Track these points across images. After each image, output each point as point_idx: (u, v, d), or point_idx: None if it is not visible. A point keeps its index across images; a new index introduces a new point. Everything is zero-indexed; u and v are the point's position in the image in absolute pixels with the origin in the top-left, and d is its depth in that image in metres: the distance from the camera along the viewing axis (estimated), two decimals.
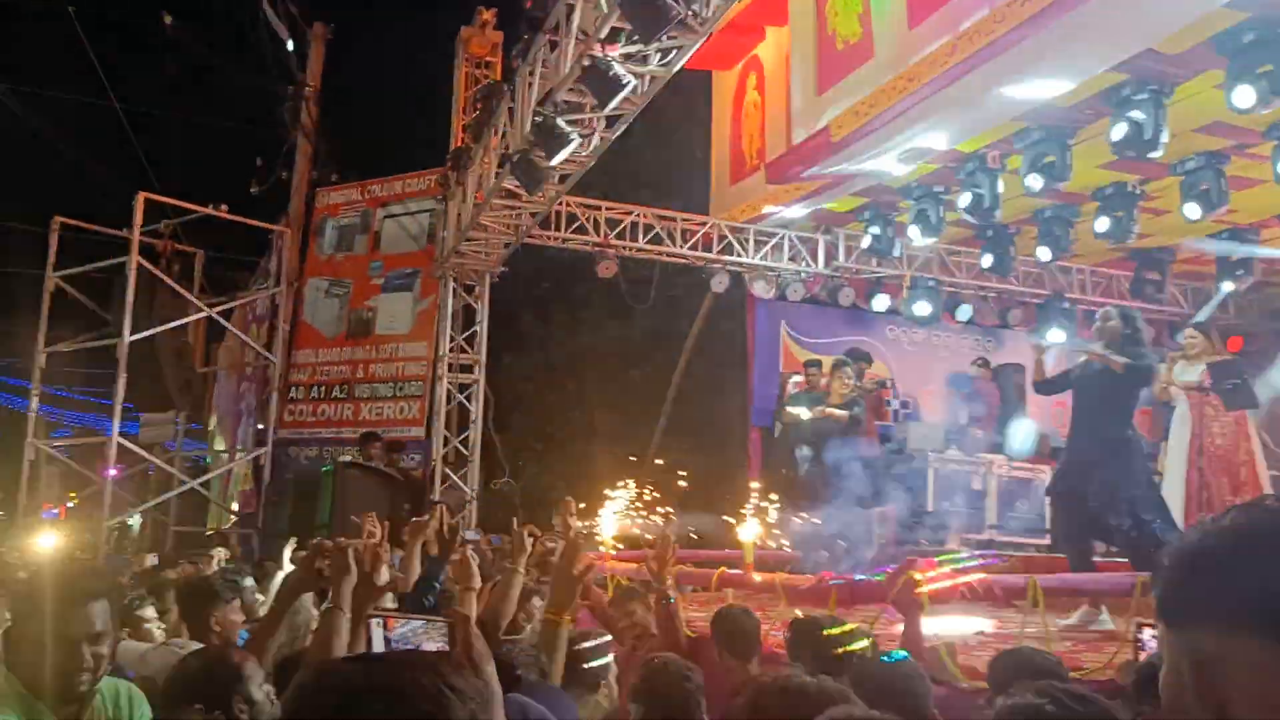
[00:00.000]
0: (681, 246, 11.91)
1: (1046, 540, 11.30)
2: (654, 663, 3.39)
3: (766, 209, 11.69)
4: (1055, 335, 12.06)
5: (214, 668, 2.41)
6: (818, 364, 10.68)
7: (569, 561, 3.33)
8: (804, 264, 12.29)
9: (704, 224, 12.10)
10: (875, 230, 11.28)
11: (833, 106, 9.63)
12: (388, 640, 2.29)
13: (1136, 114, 7.97)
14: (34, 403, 13.57)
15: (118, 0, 12.14)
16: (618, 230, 11.73)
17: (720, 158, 12.47)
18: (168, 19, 13.42)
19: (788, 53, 10.81)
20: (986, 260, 11.27)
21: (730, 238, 12.06)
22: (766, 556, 8.16)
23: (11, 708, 2.31)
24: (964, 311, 12.58)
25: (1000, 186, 9.58)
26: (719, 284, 12.07)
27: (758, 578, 6.34)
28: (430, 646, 2.27)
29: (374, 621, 2.37)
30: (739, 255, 12.07)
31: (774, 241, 12.18)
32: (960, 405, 12.04)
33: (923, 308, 12.18)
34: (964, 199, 9.80)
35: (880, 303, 12.48)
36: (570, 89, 8.03)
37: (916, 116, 8.74)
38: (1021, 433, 10.31)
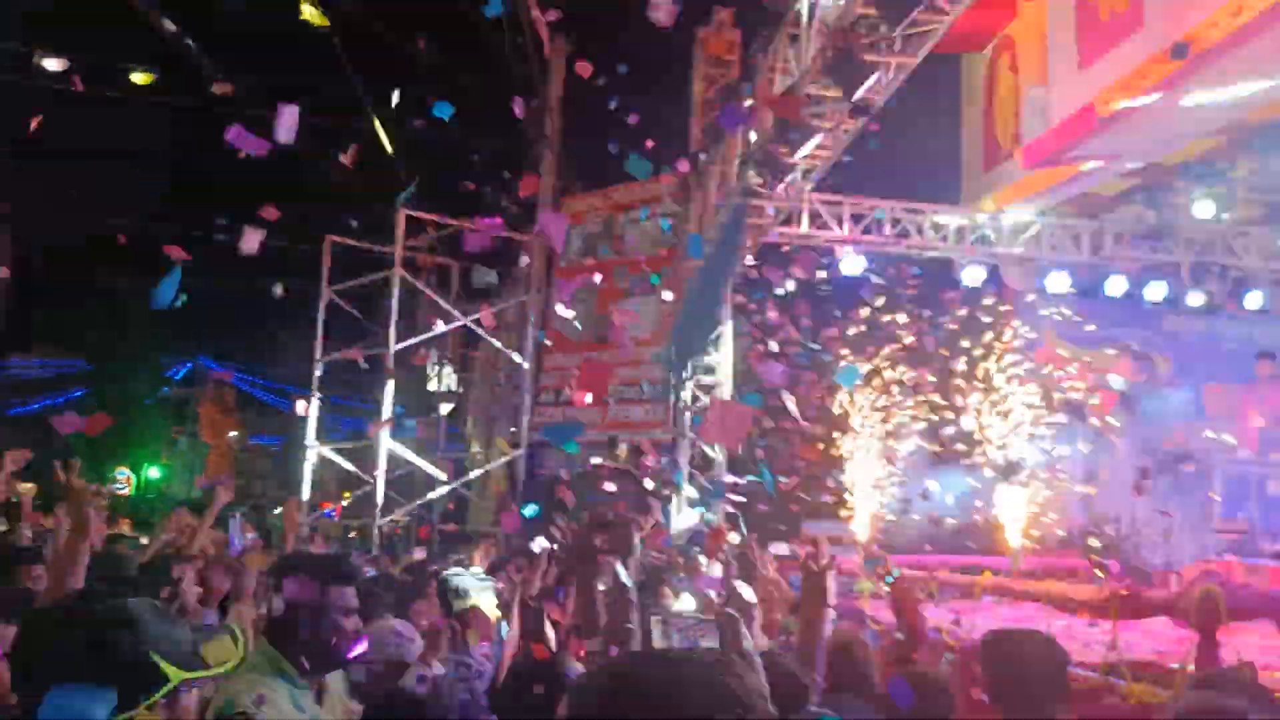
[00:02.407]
0: (932, 239, 11.40)
1: None
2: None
3: (1024, 196, 11.01)
4: None
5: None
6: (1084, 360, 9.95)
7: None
8: (1067, 253, 11.48)
9: (956, 215, 11.54)
10: (1149, 213, 10.38)
11: (1097, 82, 8.95)
12: (669, 631, 2.37)
13: None
14: (313, 409, 14.68)
15: (373, 25, 12.88)
16: (863, 225, 11.37)
17: (971, 144, 11.87)
18: (421, 43, 14.14)
19: (1044, 29, 10.15)
20: None
21: (984, 228, 11.44)
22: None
23: (272, 675, 2.61)
24: (1254, 298, 11.37)
25: None
26: (972, 277, 11.47)
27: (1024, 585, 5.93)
28: (706, 643, 2.30)
29: (653, 618, 2.44)
30: (994, 246, 11.42)
31: (1032, 230, 11.45)
32: (1255, 402, 10.88)
33: (1200, 296, 11.11)
34: (1253, 172, 8.85)
35: (1155, 291, 11.47)
36: (813, 82, 7.83)
37: (1197, 85, 7.98)
38: None
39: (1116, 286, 11.30)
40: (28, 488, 5.46)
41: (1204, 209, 9.57)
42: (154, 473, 27.83)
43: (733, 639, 2.24)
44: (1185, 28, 7.57)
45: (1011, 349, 10.94)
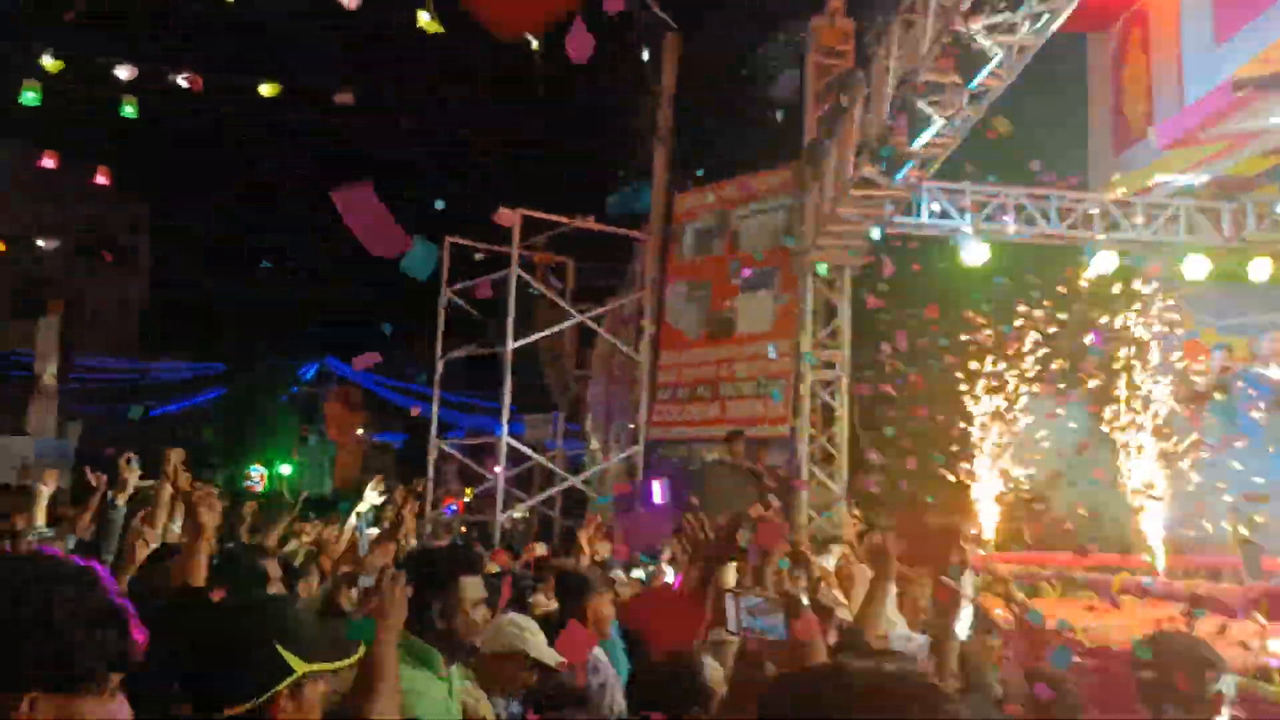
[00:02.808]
0: (1059, 226, 11.01)
1: None
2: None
3: (1157, 178, 10.54)
4: None
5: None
6: (1226, 346, 9.49)
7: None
8: (1206, 237, 10.95)
9: (1083, 200, 11.11)
10: None
11: (1235, 57, 8.52)
12: (740, 610, 2.43)
13: None
14: (435, 407, 15.06)
15: (486, 35, 13.11)
16: (985, 213, 11.05)
17: (1100, 126, 11.43)
18: (534, 44, 14.31)
19: (1178, 3, 9.70)
20: None
21: (1115, 213, 10.99)
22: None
23: (416, 666, 2.76)
24: None
25: None
26: (1104, 264, 11.02)
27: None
28: (773, 619, 2.33)
29: (728, 596, 2.53)
30: (1126, 232, 10.96)
31: (1168, 213, 10.95)
32: None
33: None
34: None
35: None
36: (931, 68, 7.64)
37: None
38: None
39: (1260, 270, 10.73)
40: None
41: None
42: (285, 469, 28.89)
43: (803, 622, 2.26)
44: None
45: (1147, 339, 10.48)
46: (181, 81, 14.54)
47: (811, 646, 2.24)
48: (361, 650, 2.23)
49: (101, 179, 19.20)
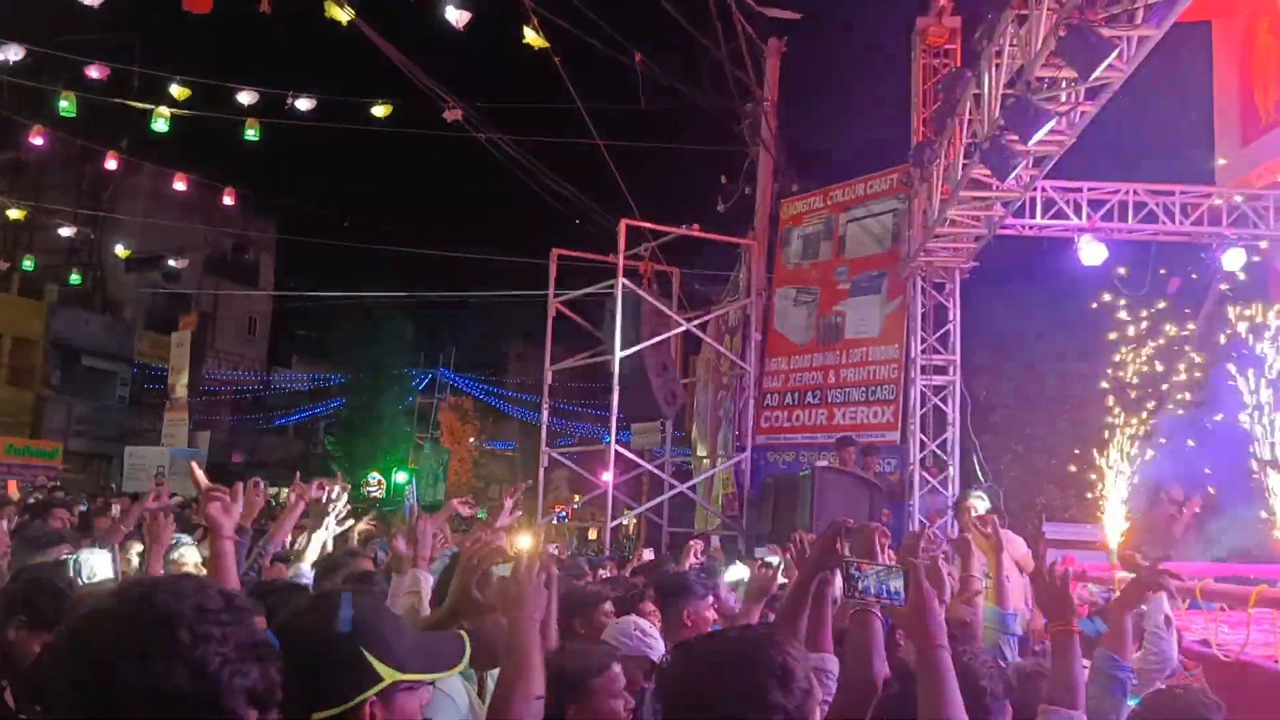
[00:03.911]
0: (1183, 223, 10.58)
1: None
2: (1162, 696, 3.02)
3: None
4: None
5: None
6: None
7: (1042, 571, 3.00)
8: None
9: (1209, 195, 10.65)
10: None
11: None
12: (863, 580, 2.49)
13: None
14: (545, 415, 15.24)
15: (590, 44, 13.22)
16: (1103, 211, 10.68)
17: (1227, 117, 10.95)
18: (638, 56, 14.40)
19: None
20: None
21: (1244, 208, 10.49)
22: None
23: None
24: None
25: None
26: (1233, 261, 10.54)
27: None
28: (895, 583, 2.44)
29: (845, 564, 2.60)
30: (1257, 227, 10.46)
31: None
32: None
33: None
34: None
35: None
36: (1045, 63, 7.42)
37: None
38: None
39: None
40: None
41: None
42: (401, 477, 29.63)
43: (915, 588, 2.35)
44: None
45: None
46: (301, 105, 15.09)
47: (929, 610, 2.31)
48: (465, 661, 2.15)
49: (228, 199, 20.08)
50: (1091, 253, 10.48)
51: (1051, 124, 7.77)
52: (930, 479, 11.73)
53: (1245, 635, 5.85)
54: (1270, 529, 8.41)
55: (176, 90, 15.00)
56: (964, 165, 9.27)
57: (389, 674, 1.90)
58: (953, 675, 2.24)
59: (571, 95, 14.10)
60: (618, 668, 3.07)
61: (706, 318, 15.35)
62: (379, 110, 15.38)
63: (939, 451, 11.87)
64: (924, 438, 11.88)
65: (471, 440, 36.53)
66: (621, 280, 13.72)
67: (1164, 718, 2.92)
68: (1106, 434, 8.94)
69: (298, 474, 5.24)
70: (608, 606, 4.42)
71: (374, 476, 30.93)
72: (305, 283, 31.80)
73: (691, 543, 8.01)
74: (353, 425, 32.75)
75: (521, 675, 2.28)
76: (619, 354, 13.53)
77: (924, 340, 12.04)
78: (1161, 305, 11.83)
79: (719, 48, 14.24)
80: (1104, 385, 8.91)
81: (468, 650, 2.16)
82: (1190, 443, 10.00)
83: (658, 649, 3.78)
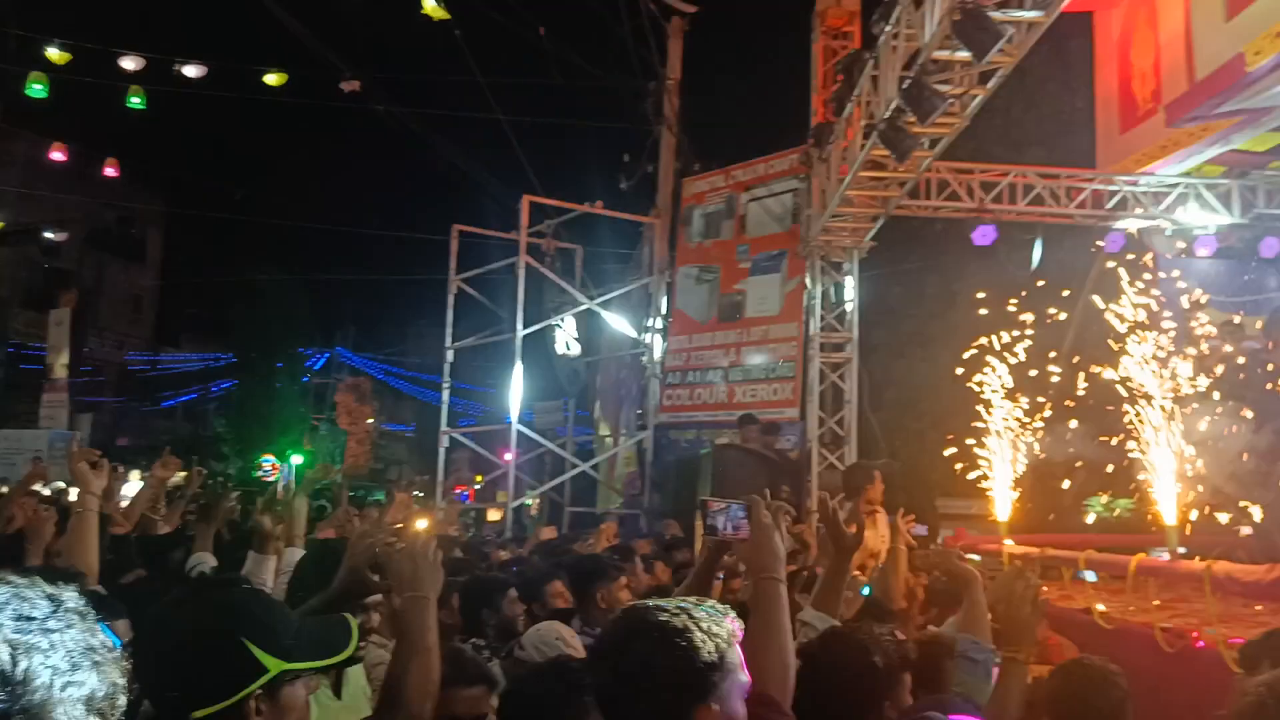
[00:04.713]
0: (1068, 206, 10.97)
1: None
2: (1072, 668, 3.13)
3: (1166, 156, 10.49)
4: None
5: None
6: (1237, 326, 9.42)
7: (1015, 591, 2.84)
8: (1215, 214, 10.89)
9: (1092, 179, 11.07)
10: None
11: (1245, 32, 8.45)
12: (712, 518, 2.67)
13: None
14: (445, 395, 15.08)
15: (492, 17, 13.06)
16: (994, 194, 11.01)
17: (1107, 105, 11.36)
18: (541, 31, 14.27)
19: None
20: None
21: (1124, 191, 10.94)
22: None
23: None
24: None
25: None
26: (1113, 244, 10.98)
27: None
28: (740, 518, 2.60)
29: (701, 503, 2.75)
30: (1135, 211, 10.92)
31: (1177, 192, 10.91)
32: None
33: None
34: None
35: None
36: (940, 46, 7.59)
37: None
38: None
39: (1271, 247, 10.68)
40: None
41: None
42: (297, 460, 28.98)
43: (757, 520, 2.48)
44: None
45: (1152, 318, 10.44)
46: (189, 71, 14.54)
47: (766, 543, 2.44)
48: (352, 646, 2.04)
49: (111, 171, 19.27)
50: (983, 233, 10.79)
51: (945, 106, 7.96)
52: (828, 455, 11.98)
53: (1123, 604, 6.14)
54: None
55: (55, 54, 14.28)
56: (862, 146, 9.44)
57: (274, 665, 1.80)
58: (784, 607, 2.32)
59: (472, 68, 13.92)
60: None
61: (609, 296, 15.37)
62: (272, 79, 14.90)
63: (836, 428, 12.12)
64: (822, 414, 12.11)
65: (370, 421, 35.88)
66: (524, 258, 13.63)
67: (1075, 687, 3.02)
68: (993, 412, 9.22)
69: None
70: (512, 593, 4.34)
71: (268, 460, 30.17)
72: (196, 259, 30.81)
73: (604, 526, 8.04)
74: (245, 407, 31.88)
75: (417, 656, 2.24)
76: (521, 332, 13.45)
77: (822, 318, 12.25)
78: (1040, 283, 12.23)
79: (622, 25, 14.22)
80: (990, 365, 9.18)
81: (355, 635, 2.07)
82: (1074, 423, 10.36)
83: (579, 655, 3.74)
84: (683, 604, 1.84)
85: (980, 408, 9.01)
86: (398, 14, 13.99)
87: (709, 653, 1.75)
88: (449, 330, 14.86)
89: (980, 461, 8.94)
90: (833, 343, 12.25)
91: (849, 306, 12.26)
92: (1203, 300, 10.36)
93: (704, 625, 1.79)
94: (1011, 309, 10.39)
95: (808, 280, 12.32)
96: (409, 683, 2.20)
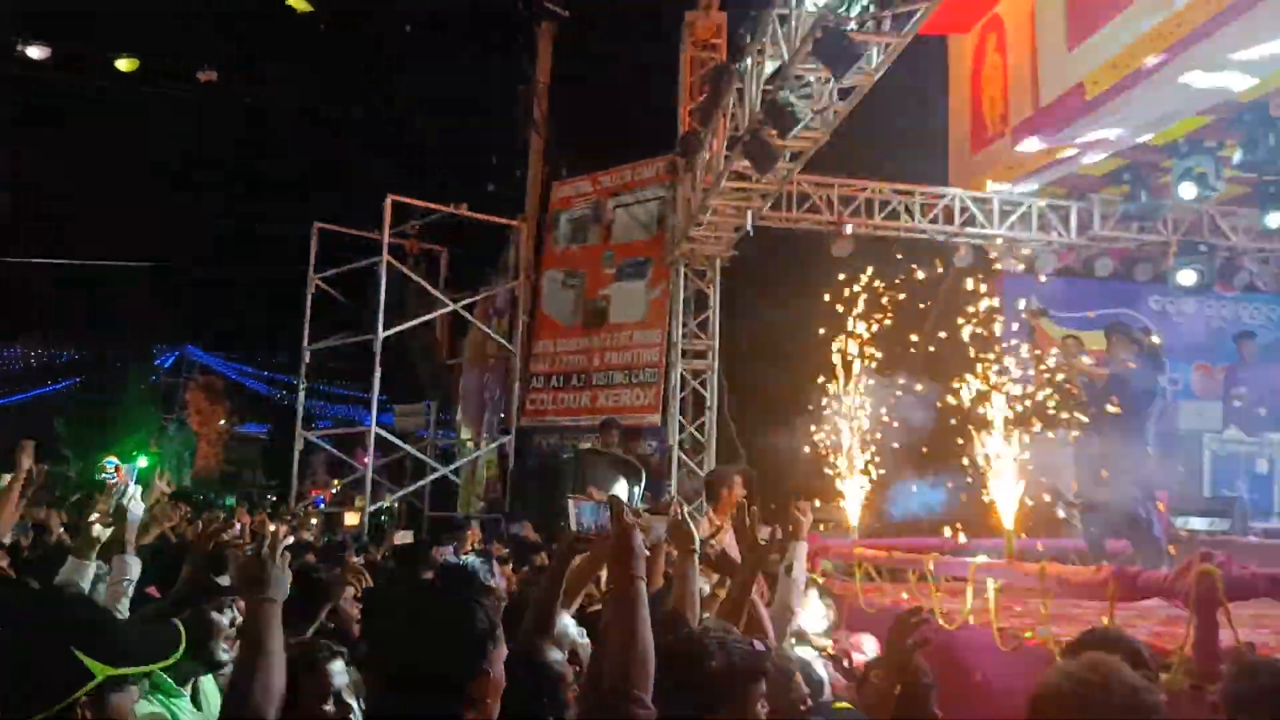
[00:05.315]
0: (921, 221, 11.40)
1: None
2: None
3: (1013, 177, 11.00)
4: None
5: None
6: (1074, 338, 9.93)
7: (899, 632, 2.94)
8: (1056, 234, 11.49)
9: (944, 196, 11.53)
10: (1136, 193, 10.38)
11: (1086, 62, 8.94)
12: (576, 516, 2.74)
13: None
14: (301, 397, 14.66)
15: (360, 16, 12.80)
16: (852, 207, 11.35)
17: (959, 125, 11.84)
18: (407, 27, 14.06)
19: (1032, 9, 10.12)
20: (1273, 220, 10.16)
21: (973, 209, 11.44)
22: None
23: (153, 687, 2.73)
24: (1241, 278, 11.41)
25: None
26: (962, 259, 11.46)
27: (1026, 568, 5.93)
28: (604, 517, 2.64)
29: (569, 500, 2.79)
30: (983, 227, 11.42)
31: (1021, 211, 11.46)
32: (1242, 381, 10.95)
33: (1190, 276, 11.13)
34: (1242, 152, 8.86)
35: (1143, 272, 11.51)
36: (802, 63, 7.79)
37: (1185, 65, 7.97)
38: None
39: (1104, 267, 11.32)
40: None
41: (1188, 189, 9.59)
42: (143, 461, 27.71)
43: (617, 516, 2.49)
44: (1175, 6, 7.56)
45: (994, 330, 10.93)
46: (33, 53, 13.76)
47: (627, 540, 2.44)
48: (179, 652, 2.04)
49: None
50: (840, 245, 11.10)
51: (806, 121, 8.18)
52: (688, 461, 12.12)
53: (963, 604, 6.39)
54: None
55: None
56: (726, 157, 9.60)
57: (100, 670, 1.80)
58: (645, 605, 2.34)
59: (337, 64, 13.61)
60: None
61: (474, 299, 15.20)
62: (123, 64, 14.23)
63: (697, 434, 12.28)
64: (683, 420, 12.26)
65: (222, 422, 34.59)
66: (386, 258, 13.36)
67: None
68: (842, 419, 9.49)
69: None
70: (350, 592, 4.34)
71: (111, 461, 28.75)
72: (34, 249, 29.09)
73: (469, 531, 7.95)
74: (88, 406, 30.32)
75: (262, 659, 2.17)
76: (382, 334, 13.18)
77: (685, 325, 12.40)
78: (902, 297, 12.64)
79: (493, 27, 14.13)
80: (842, 374, 9.47)
81: (183, 640, 2.06)
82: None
83: None
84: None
85: (837, 418, 9.24)
86: (261, 5, 13.57)
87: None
88: (306, 329, 14.44)
89: (829, 469, 9.17)
90: (695, 349, 12.42)
91: (712, 314, 12.44)
92: (1045, 316, 10.88)
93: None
94: (867, 321, 10.73)
95: (672, 287, 12.45)
96: (253, 689, 2.14)
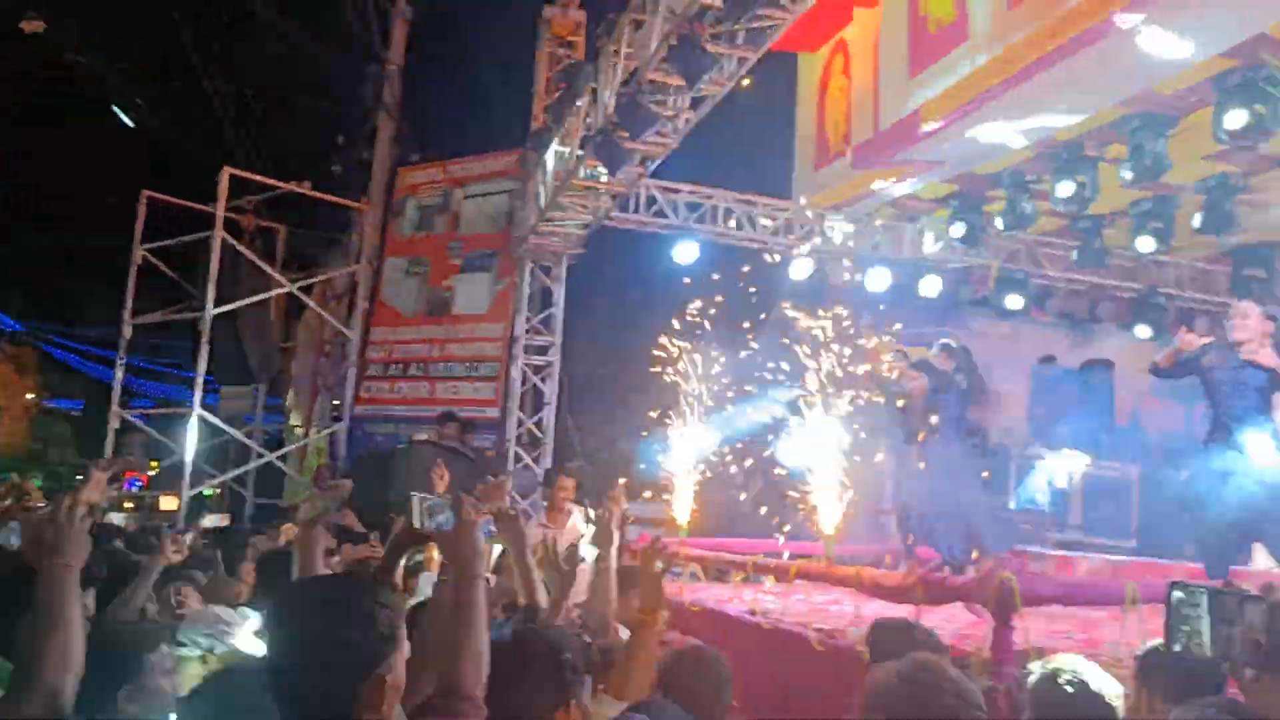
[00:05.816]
0: (762, 231, 11.71)
1: (1133, 542, 10.98)
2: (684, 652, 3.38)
3: (850, 194, 11.43)
4: (1144, 331, 11.79)
5: None
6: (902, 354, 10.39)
7: (650, 557, 3.33)
8: (888, 251, 12.00)
9: (786, 209, 11.89)
10: (964, 219, 10.96)
11: (924, 91, 9.36)
12: (421, 508, 2.69)
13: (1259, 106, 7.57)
14: (119, 373, 13.90)
15: None
16: (698, 214, 11.57)
17: (804, 142, 12.22)
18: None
19: (876, 35, 10.53)
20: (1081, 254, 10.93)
21: (813, 223, 11.83)
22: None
23: None
24: (1052, 305, 12.22)
25: (1098, 176, 9.25)
26: (800, 271, 11.83)
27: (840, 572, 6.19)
28: (448, 514, 2.62)
29: (413, 496, 2.74)
30: (820, 242, 11.83)
31: (857, 228, 11.92)
32: (1045, 401, 11.73)
33: (1012, 300, 11.87)
34: (1060, 189, 9.46)
35: (966, 293, 12.16)
36: (656, 68, 7.89)
37: (1012, 102, 8.45)
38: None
39: (931, 287, 11.88)
40: None
41: (1009, 219, 10.22)
42: None
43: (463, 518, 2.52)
44: (1006, 42, 8.01)
45: (830, 342, 11.34)
46: None
47: (469, 537, 2.49)
48: None
49: None
50: (684, 251, 11.30)
51: (657, 126, 8.30)
52: (525, 456, 12.11)
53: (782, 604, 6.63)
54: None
55: None
56: (578, 155, 9.64)
57: None
58: (483, 602, 2.38)
59: (178, 25, 13.00)
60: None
61: (311, 281, 14.75)
62: None
63: (535, 429, 12.28)
64: (522, 415, 12.24)
65: (30, 396, 32.47)
66: (220, 233, 12.83)
67: (685, 666, 3.24)
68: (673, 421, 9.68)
69: None
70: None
71: None
72: None
73: (285, 527, 7.72)
74: None
75: (57, 630, 2.08)
76: (211, 311, 12.64)
77: (529, 320, 12.39)
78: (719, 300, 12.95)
79: (346, 4, 13.76)
80: (673, 376, 9.64)
81: None
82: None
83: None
84: None
85: (670, 418, 9.40)
86: None
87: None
88: (129, 302, 13.70)
89: (663, 470, 9.33)
90: (536, 345, 12.42)
91: (555, 310, 12.47)
92: (874, 329, 11.36)
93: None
94: (706, 326, 10.97)
95: (518, 282, 12.42)
96: (47, 656, 2.05)
